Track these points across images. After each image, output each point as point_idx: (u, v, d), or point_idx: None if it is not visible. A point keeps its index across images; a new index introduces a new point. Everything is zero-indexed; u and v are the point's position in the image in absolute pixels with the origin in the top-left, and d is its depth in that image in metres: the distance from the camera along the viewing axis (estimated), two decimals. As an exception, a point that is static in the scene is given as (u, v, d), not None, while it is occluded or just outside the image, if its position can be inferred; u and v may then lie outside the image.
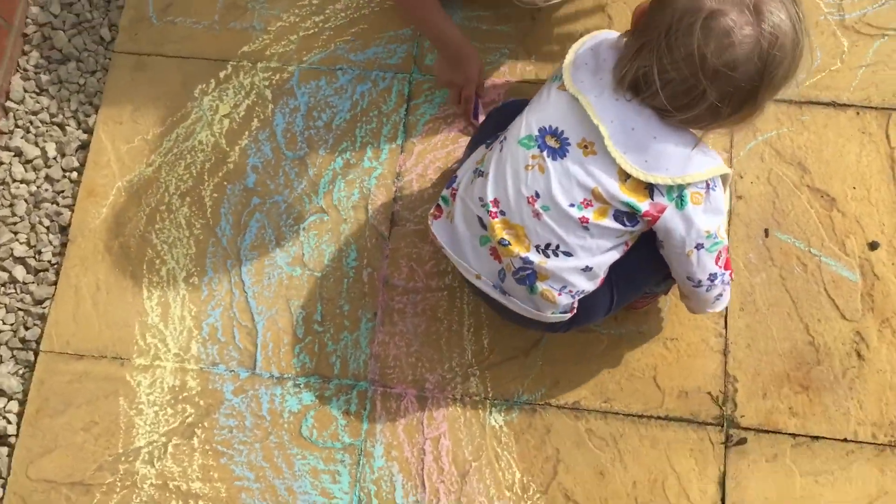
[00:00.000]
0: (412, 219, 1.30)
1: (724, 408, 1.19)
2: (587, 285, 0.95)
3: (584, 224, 0.89)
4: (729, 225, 1.26)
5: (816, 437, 1.17)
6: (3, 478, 1.22)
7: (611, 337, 1.23)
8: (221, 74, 1.38)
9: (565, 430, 1.19)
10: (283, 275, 1.28)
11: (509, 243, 0.92)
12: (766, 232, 1.25)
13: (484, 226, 0.95)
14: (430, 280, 1.27)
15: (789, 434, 1.17)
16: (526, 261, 0.92)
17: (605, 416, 1.20)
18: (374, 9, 1.40)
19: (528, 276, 0.93)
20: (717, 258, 0.94)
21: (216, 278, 1.28)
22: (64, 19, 1.42)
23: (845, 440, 1.17)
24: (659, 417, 1.19)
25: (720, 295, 1.01)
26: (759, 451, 1.17)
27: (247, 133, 1.35)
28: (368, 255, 1.28)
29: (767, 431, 1.18)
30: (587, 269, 0.92)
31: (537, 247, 0.91)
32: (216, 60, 1.39)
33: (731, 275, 0.99)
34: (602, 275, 0.96)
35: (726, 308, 1.19)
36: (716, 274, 0.96)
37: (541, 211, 0.90)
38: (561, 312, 0.96)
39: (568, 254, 0.91)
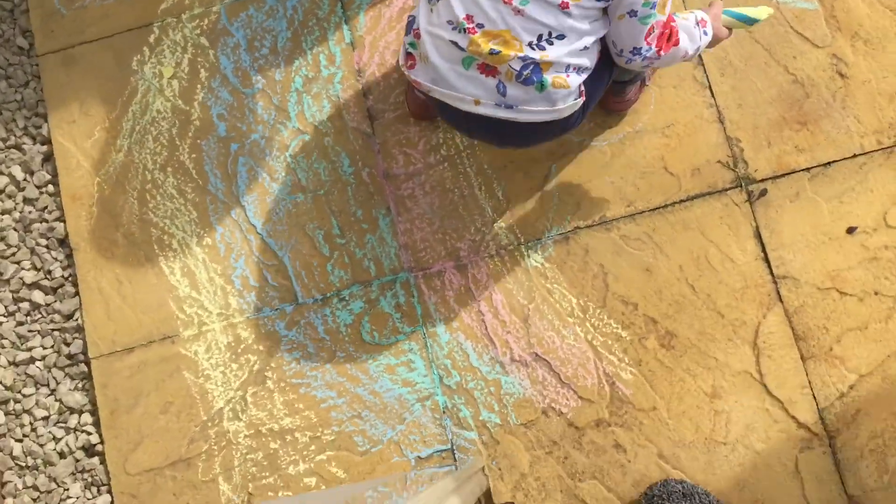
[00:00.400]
0: (388, 108, 1.32)
1: (736, 169, 1.25)
2: (587, 62, 0.97)
3: (564, 9, 0.92)
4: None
5: (828, 164, 1.24)
6: (106, 484, 1.26)
7: (612, 146, 1.27)
8: (151, 39, 1.37)
9: (601, 245, 1.25)
10: (288, 205, 1.31)
11: (500, 51, 0.94)
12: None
13: (461, 48, 0.96)
14: (427, 157, 1.30)
15: (803, 170, 1.24)
16: (525, 59, 0.94)
17: (633, 219, 1.26)
18: (272, -79, 1.38)
19: (532, 72, 0.95)
20: (649, 33, 0.96)
21: (227, 232, 1.31)
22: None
23: (854, 156, 1.24)
24: (681, 201, 1.25)
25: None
26: (781, 195, 1.24)
27: (199, 86, 1.35)
28: (360, 156, 1.31)
29: (782, 175, 1.24)
30: (584, 49, 0.95)
31: (530, 43, 0.94)
32: (141, 28, 1.38)
33: (658, 53, 0.98)
34: (596, 50, 0.98)
35: (708, 79, 1.23)
36: (640, 49, 0.97)
37: (520, 7, 0.92)
38: (574, 99, 0.98)
39: (561, 36, 0.93)
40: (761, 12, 1.05)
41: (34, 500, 1.26)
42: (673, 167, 1.26)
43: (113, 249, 1.32)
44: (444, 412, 1.24)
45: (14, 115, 1.37)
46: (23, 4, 1.41)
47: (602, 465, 1.21)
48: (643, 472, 1.20)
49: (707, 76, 1.27)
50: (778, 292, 1.22)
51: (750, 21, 1.06)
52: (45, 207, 1.35)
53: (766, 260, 1.22)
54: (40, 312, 1.32)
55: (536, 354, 1.24)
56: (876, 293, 1.20)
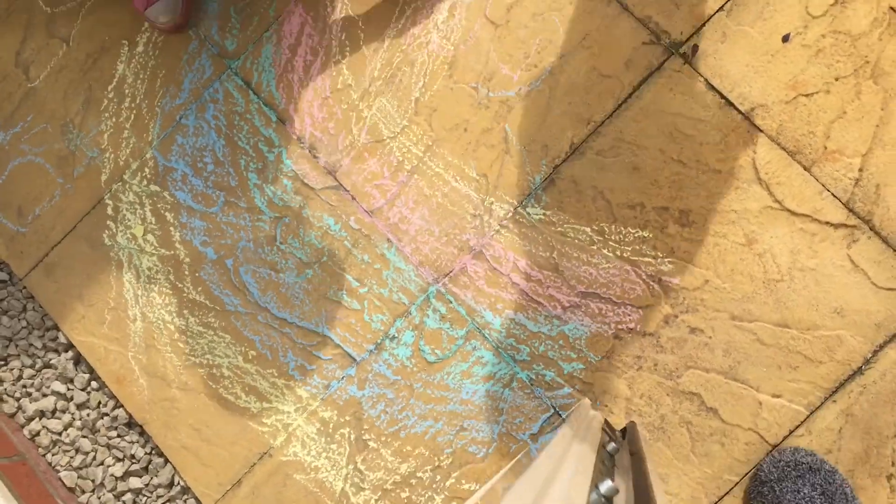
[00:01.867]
0: (340, 156, 1.43)
1: (661, 42, 1.36)
2: None
3: None
4: (537, -72, 1.41)
5: (735, -5, 1.35)
6: None
7: (544, 81, 1.38)
8: (109, 211, 1.48)
9: (584, 169, 1.36)
10: (303, 284, 1.41)
11: None
12: None
13: None
14: (397, 178, 1.41)
15: (717, 12, 1.35)
16: None
17: (598, 133, 1.36)
18: (155, 56, 1.49)
19: None
20: None
21: (264, 336, 1.42)
22: (-38, 298, 1.51)
23: (753, -24, 1.34)
24: (630, 95, 1.36)
25: None
26: (710, 43, 1.34)
27: (171, 228, 1.46)
28: (340, 210, 1.42)
29: (702, 26, 1.35)
30: None
31: None
32: (95, 207, 1.49)
33: None
34: None
35: None
36: None
37: None
38: None
39: None
40: None
41: None
42: (607, 69, 1.37)
43: (176, 406, 1.43)
44: (531, 384, 1.34)
45: (29, 340, 1.49)
46: (-17, 243, 1.53)
47: (689, 353, 1.31)
48: (728, 340, 1.30)
49: (592, -21, 1.38)
50: (754, 124, 1.32)
51: None
52: (99, 403, 1.46)
53: (730, 103, 1.33)
54: (144, 494, 1.43)
55: (582, 292, 1.34)
56: (836, 79, 1.31)
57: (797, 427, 1.28)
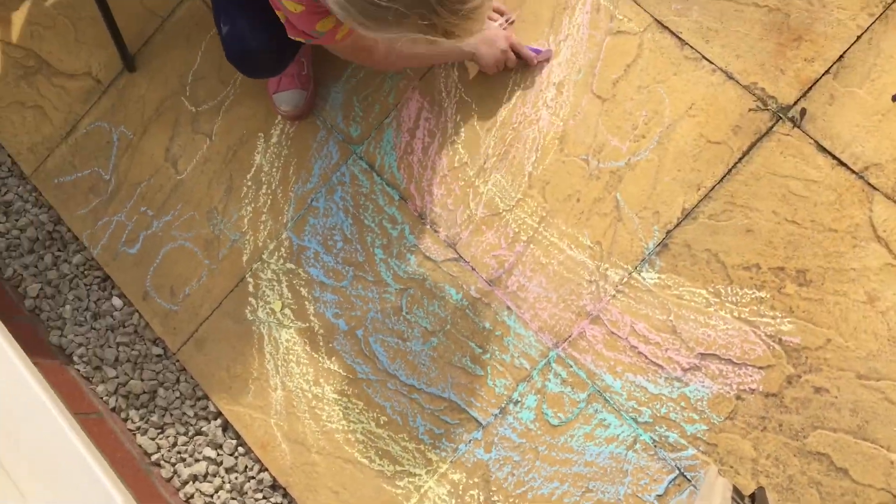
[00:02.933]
0: (459, 229, 1.56)
1: (768, 107, 1.43)
2: None
3: None
4: None
5: (841, 57, 1.41)
6: None
7: (653, 151, 1.48)
8: (250, 288, 1.66)
9: (697, 233, 1.43)
10: (429, 352, 1.54)
11: None
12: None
13: None
14: (514, 248, 1.52)
15: (824, 75, 1.41)
16: None
17: (709, 198, 1.44)
18: (287, 146, 1.68)
19: None
20: None
21: (394, 402, 1.54)
22: (121, 362, 1.71)
23: (858, 38, 1.40)
24: (740, 160, 1.43)
25: None
26: (819, 105, 1.40)
27: (306, 302, 1.63)
28: (461, 280, 1.54)
29: (809, 89, 1.41)
30: None
31: None
32: (238, 285, 1.67)
33: None
34: None
35: (698, 51, 1.44)
36: None
37: None
38: None
39: None
40: None
41: None
42: (715, 136, 1.45)
43: (316, 470, 1.57)
44: (655, 446, 1.41)
45: (182, 409, 1.67)
46: (140, 322, 1.73)
47: (815, 413, 1.35)
48: (854, 400, 1.34)
49: (695, 49, 1.47)
50: (869, 183, 1.37)
51: None
52: (246, 467, 1.62)
53: (842, 163, 1.38)
54: (287, 553, 1.57)
55: (701, 354, 1.41)
56: (953, 135, 1.35)
57: (934, 488, 1.30)
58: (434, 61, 1.58)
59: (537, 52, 1.52)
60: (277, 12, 1.26)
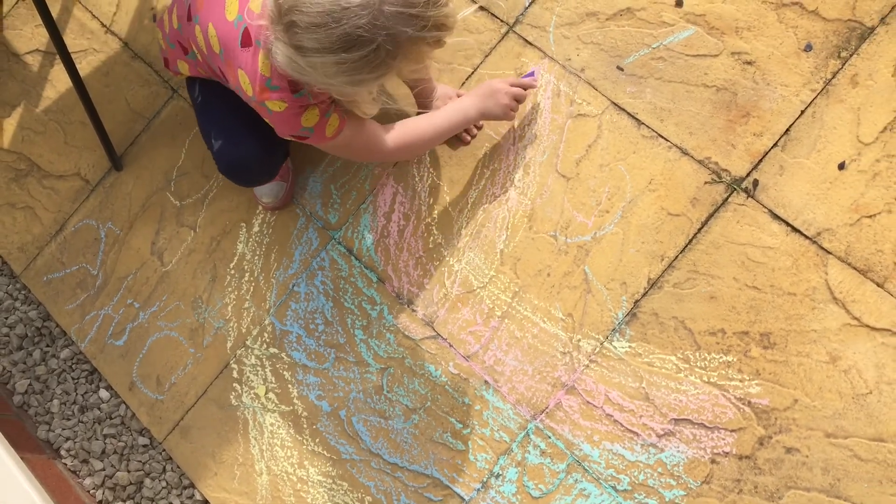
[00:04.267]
0: (436, 307, 1.65)
1: (723, 180, 1.55)
2: None
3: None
4: (596, 90, 1.66)
5: (787, 131, 1.53)
6: None
7: (618, 225, 1.58)
8: (234, 374, 1.74)
9: (663, 302, 1.53)
10: (411, 429, 1.61)
11: None
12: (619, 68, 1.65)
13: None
14: (489, 323, 1.61)
15: (773, 147, 1.53)
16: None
17: (672, 267, 1.54)
18: (269, 234, 1.79)
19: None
20: None
21: (378, 482, 1.60)
22: (107, 454, 1.77)
23: (802, 112, 1.53)
24: (700, 230, 1.53)
25: None
26: (770, 176, 1.52)
27: (290, 386, 1.70)
28: (439, 357, 1.63)
29: (760, 161, 1.53)
30: None
31: None
32: (222, 372, 1.75)
33: None
34: None
35: (654, 131, 1.57)
36: None
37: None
38: None
39: None
40: None
41: None
42: (675, 209, 1.56)
43: (302, 553, 1.61)
44: (635, 514, 1.47)
45: (169, 499, 1.72)
46: (127, 412, 1.80)
47: (787, 473, 1.42)
48: (825, 458, 1.40)
49: (651, 129, 1.60)
50: (822, 248, 1.47)
51: None
52: (232, 554, 1.66)
53: (796, 230, 1.49)
54: None
55: (675, 419, 1.48)
56: (896, 198, 1.46)
57: (908, 542, 1.35)
58: (445, 134, 1.57)
59: (531, 75, 1.63)
60: (266, 119, 1.37)
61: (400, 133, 1.50)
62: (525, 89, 1.60)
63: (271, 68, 1.27)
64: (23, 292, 1.92)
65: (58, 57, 1.72)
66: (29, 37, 2.06)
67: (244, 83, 1.31)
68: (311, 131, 1.36)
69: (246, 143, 1.48)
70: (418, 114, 1.56)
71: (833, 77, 1.52)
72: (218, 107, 1.52)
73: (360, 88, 1.19)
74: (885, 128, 1.47)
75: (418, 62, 1.22)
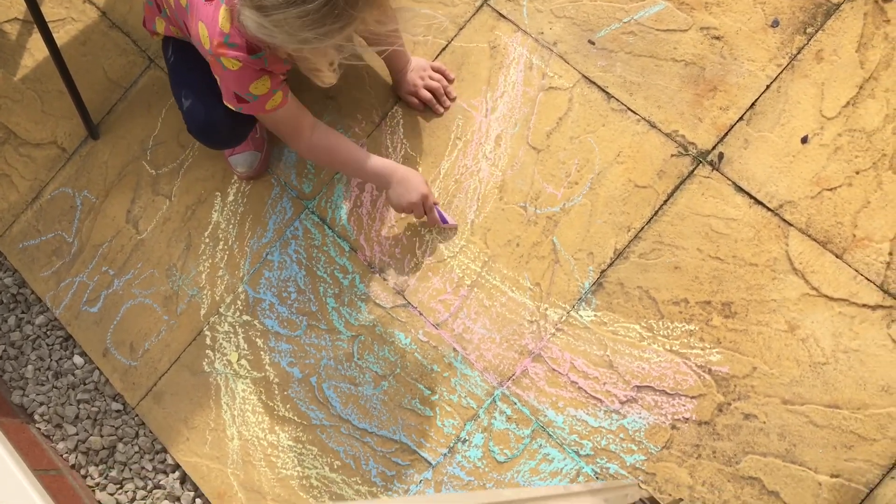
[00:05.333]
0: (407, 276, 1.69)
1: (689, 153, 1.59)
2: None
3: None
4: (568, 63, 1.70)
5: (752, 105, 1.58)
6: None
7: (586, 196, 1.63)
8: (208, 341, 1.78)
9: (628, 272, 1.57)
10: (380, 395, 1.65)
11: None
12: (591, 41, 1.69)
13: None
14: (459, 293, 1.66)
15: (738, 121, 1.58)
16: None
17: (639, 238, 1.59)
18: (243, 203, 1.83)
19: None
20: None
21: (348, 447, 1.65)
22: (81, 419, 1.81)
23: (767, 87, 1.58)
24: (666, 201, 1.58)
25: None
26: (735, 149, 1.57)
27: (262, 353, 1.74)
28: (409, 325, 1.67)
29: (726, 135, 1.58)
30: None
31: None
32: (196, 338, 1.79)
33: None
34: None
35: (623, 104, 1.61)
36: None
37: None
38: None
39: None
40: None
41: None
42: (642, 181, 1.61)
43: (271, 516, 1.66)
44: (596, 477, 1.52)
45: (141, 463, 1.77)
46: (100, 378, 1.84)
47: (745, 438, 1.47)
48: (781, 424, 1.45)
49: (621, 102, 1.64)
50: (784, 220, 1.52)
51: None
52: (203, 518, 1.71)
53: (759, 202, 1.54)
54: None
55: (637, 386, 1.53)
56: (857, 172, 1.50)
57: (859, 505, 1.40)
58: (349, 173, 1.70)
59: (444, 220, 1.65)
60: (216, 75, 1.41)
61: (325, 139, 1.57)
62: (427, 218, 1.65)
63: (231, 26, 1.31)
64: (-2, 259, 1.95)
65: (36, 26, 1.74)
66: (7, 5, 2.08)
67: (203, 36, 1.35)
68: (254, 98, 1.41)
69: (216, 104, 1.51)
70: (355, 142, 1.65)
71: (798, 52, 1.56)
72: (190, 68, 1.56)
73: (328, 42, 1.22)
74: (848, 102, 1.52)
75: (381, 9, 1.25)
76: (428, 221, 1.66)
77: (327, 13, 1.17)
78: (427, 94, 1.69)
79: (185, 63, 1.57)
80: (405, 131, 1.75)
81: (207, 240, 1.82)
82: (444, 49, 1.76)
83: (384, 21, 1.29)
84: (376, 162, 1.59)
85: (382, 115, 1.76)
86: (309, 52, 1.29)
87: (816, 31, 1.56)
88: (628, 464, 1.50)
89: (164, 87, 1.92)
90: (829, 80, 1.54)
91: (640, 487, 1.46)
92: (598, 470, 1.51)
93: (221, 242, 1.81)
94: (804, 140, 1.53)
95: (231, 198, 1.82)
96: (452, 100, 1.72)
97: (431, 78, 1.70)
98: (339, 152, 1.58)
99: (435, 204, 1.63)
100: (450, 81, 1.73)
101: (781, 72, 1.57)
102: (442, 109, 1.72)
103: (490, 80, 1.72)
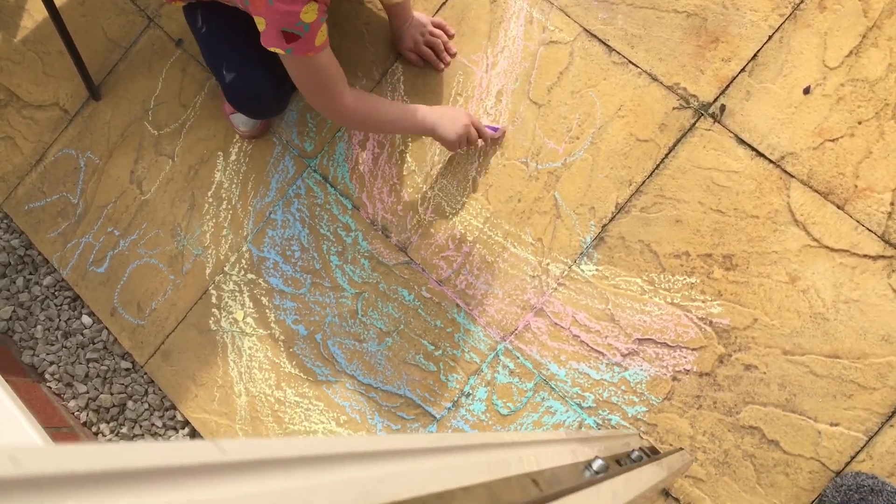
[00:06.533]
0: (409, 234, 1.70)
1: (690, 105, 1.59)
2: None
3: None
4: None
5: (755, 56, 1.57)
6: None
7: (587, 151, 1.63)
8: (213, 300, 1.80)
9: (630, 226, 1.58)
10: (384, 352, 1.68)
11: None
12: (591, -6, 1.67)
13: None
14: (461, 249, 1.67)
15: (740, 73, 1.57)
16: None
17: (640, 192, 1.59)
18: (246, 163, 1.84)
19: None
20: None
21: (353, 402, 1.68)
22: (91, 377, 1.84)
23: (769, 38, 1.57)
24: (667, 155, 1.58)
25: None
26: (736, 101, 1.56)
27: (267, 310, 1.77)
28: (412, 282, 1.69)
29: (727, 86, 1.57)
30: None
31: None
32: (202, 297, 1.81)
33: None
34: None
35: (624, 57, 1.60)
36: None
37: None
38: None
39: None
40: None
41: None
42: (643, 134, 1.61)
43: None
44: (599, 429, 1.54)
45: (151, 420, 1.80)
46: (109, 338, 1.87)
47: (745, 389, 1.48)
48: (782, 374, 1.47)
49: (622, 55, 1.63)
50: (785, 171, 1.52)
51: None
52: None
53: (760, 154, 1.54)
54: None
55: (638, 339, 1.55)
56: (859, 123, 1.50)
57: (858, 453, 1.42)
58: (396, 129, 1.65)
59: (494, 129, 1.65)
60: (257, 17, 1.28)
61: (367, 97, 1.52)
62: (480, 138, 1.62)
63: None
64: (4, 221, 1.97)
65: (32, -16, 1.74)
66: (4, -34, 2.07)
67: None
68: (306, 28, 1.27)
69: (259, 74, 1.49)
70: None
71: (801, 2, 1.55)
72: (227, 37, 1.52)
73: None
74: (851, 52, 1.51)
75: None
76: (484, 141, 1.64)
77: None
78: (427, 51, 1.69)
79: (220, 31, 1.54)
80: (405, 88, 1.75)
81: (211, 199, 1.83)
82: (443, 4, 1.75)
83: None
84: (417, 108, 1.55)
85: (382, 72, 1.76)
86: None
87: (820, -20, 1.54)
88: (630, 415, 1.53)
89: (164, 46, 1.91)
90: (833, 30, 1.53)
91: (640, 437, 1.48)
92: (601, 422, 1.54)
93: (225, 202, 1.82)
94: (806, 91, 1.53)
95: (233, 157, 1.83)
96: (453, 55, 1.72)
97: (431, 34, 1.69)
98: (384, 109, 1.52)
99: (481, 127, 1.62)
100: (450, 37, 1.72)
101: (784, 21, 1.55)
102: (442, 66, 1.71)
103: (490, 34, 1.71)
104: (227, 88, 1.55)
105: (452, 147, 1.60)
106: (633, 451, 0.92)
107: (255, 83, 1.53)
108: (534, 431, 1.19)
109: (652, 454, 1.17)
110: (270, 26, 1.27)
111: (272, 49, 1.31)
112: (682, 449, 1.43)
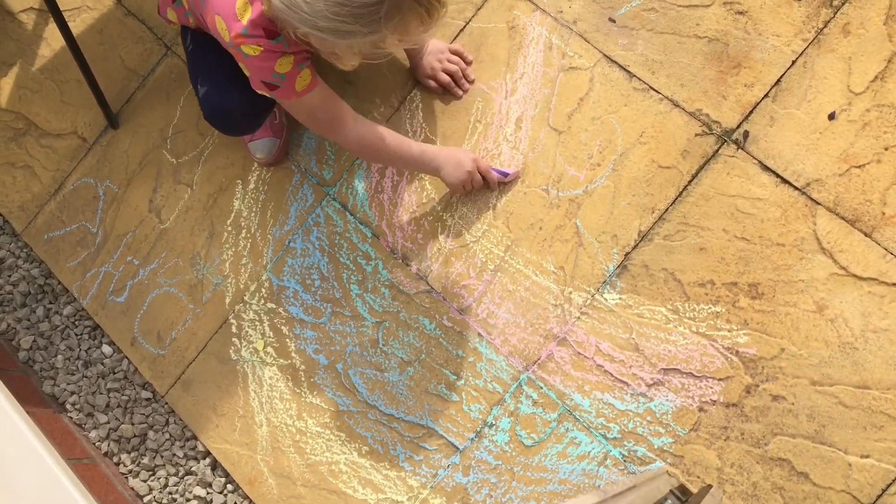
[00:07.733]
0: (430, 262, 1.69)
1: (713, 132, 1.57)
2: None
3: None
4: None
5: (778, 81, 1.55)
6: None
7: (609, 178, 1.61)
8: (234, 329, 1.80)
9: (653, 254, 1.56)
10: (406, 381, 1.66)
11: None
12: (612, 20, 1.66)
13: None
14: (482, 277, 1.65)
15: (763, 98, 1.55)
16: None
17: (663, 220, 1.57)
18: (265, 191, 1.83)
19: None
20: None
21: (375, 433, 1.66)
22: (112, 408, 1.84)
23: (793, 62, 1.55)
24: (690, 182, 1.56)
25: None
26: (760, 127, 1.54)
27: (287, 340, 1.76)
28: (433, 311, 1.67)
29: (751, 112, 1.55)
30: None
31: None
32: (221, 327, 1.81)
33: None
34: None
35: (645, 83, 1.59)
36: None
37: None
38: None
39: None
40: None
41: None
42: (665, 161, 1.59)
43: (302, 502, 1.68)
44: (624, 461, 1.52)
45: (172, 450, 1.79)
46: (129, 367, 1.86)
47: (774, 420, 1.46)
48: (810, 405, 1.45)
49: (643, 81, 1.62)
50: (811, 198, 1.50)
51: None
52: (235, 503, 1.73)
53: (785, 181, 1.52)
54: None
55: (664, 369, 1.53)
56: (886, 149, 1.48)
57: (889, 485, 1.40)
58: (402, 166, 1.69)
59: (504, 174, 1.64)
60: (240, 64, 1.41)
61: (369, 132, 1.53)
62: (486, 183, 1.64)
63: (249, 17, 1.30)
64: (25, 250, 1.97)
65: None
66: (22, -5, 2.08)
67: (221, 28, 1.34)
68: (282, 78, 1.38)
69: (231, 91, 1.51)
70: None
71: (825, 26, 1.53)
72: (208, 55, 1.56)
73: (342, 42, 1.21)
74: (876, 77, 1.49)
75: (403, 35, 1.24)
76: (490, 186, 1.65)
77: (363, 15, 1.15)
78: (445, 78, 1.68)
79: (202, 50, 1.57)
80: (424, 115, 1.74)
81: (230, 228, 1.83)
82: (461, 30, 1.74)
83: (405, 42, 1.28)
84: (424, 148, 1.59)
85: (401, 99, 1.75)
86: (321, 42, 1.27)
87: (843, 4, 1.52)
88: (656, 446, 1.51)
89: (181, 74, 1.91)
90: (857, 54, 1.51)
91: (668, 475, 1.46)
92: (626, 453, 1.52)
93: (244, 230, 1.82)
94: (831, 116, 1.51)
95: (252, 185, 1.83)
96: (471, 82, 1.71)
97: (450, 61, 1.68)
98: (388, 143, 1.54)
99: (487, 170, 1.63)
100: (468, 64, 1.71)
101: (807, 46, 1.54)
102: (461, 93, 1.70)
103: (509, 61, 1.70)
104: (201, 102, 1.58)
105: (455, 190, 1.64)
106: (667, 499, 0.90)
107: (224, 98, 1.55)
108: (570, 500, 1.17)
109: (682, 495, 1.16)
110: (253, 75, 1.41)
111: (261, 93, 1.43)
112: (711, 486, 1.41)
